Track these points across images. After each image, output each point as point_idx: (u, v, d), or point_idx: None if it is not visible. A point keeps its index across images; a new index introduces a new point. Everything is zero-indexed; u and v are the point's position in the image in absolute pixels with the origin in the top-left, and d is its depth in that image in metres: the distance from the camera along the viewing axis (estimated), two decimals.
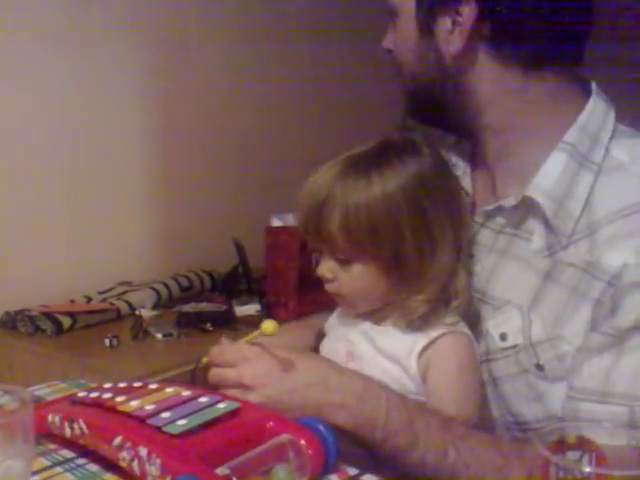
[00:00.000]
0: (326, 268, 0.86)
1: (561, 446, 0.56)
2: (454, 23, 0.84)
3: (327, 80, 2.18)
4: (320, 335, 0.98)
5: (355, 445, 0.79)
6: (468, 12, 0.83)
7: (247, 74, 2.01)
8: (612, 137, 0.87)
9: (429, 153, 0.85)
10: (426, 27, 0.87)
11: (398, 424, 0.78)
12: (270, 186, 2.03)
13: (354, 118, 2.17)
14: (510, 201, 0.88)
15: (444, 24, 0.85)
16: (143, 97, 1.81)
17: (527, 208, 0.87)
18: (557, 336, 0.83)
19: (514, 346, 0.86)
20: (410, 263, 0.83)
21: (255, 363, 0.81)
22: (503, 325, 0.87)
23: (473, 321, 0.88)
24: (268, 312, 1.63)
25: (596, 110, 0.87)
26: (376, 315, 0.88)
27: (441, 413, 0.81)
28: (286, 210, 1.76)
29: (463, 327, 0.85)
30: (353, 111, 2.20)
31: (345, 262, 0.85)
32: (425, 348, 0.83)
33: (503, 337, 0.87)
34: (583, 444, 0.56)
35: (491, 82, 0.88)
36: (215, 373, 0.83)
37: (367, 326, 0.88)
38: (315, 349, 0.97)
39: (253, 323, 1.58)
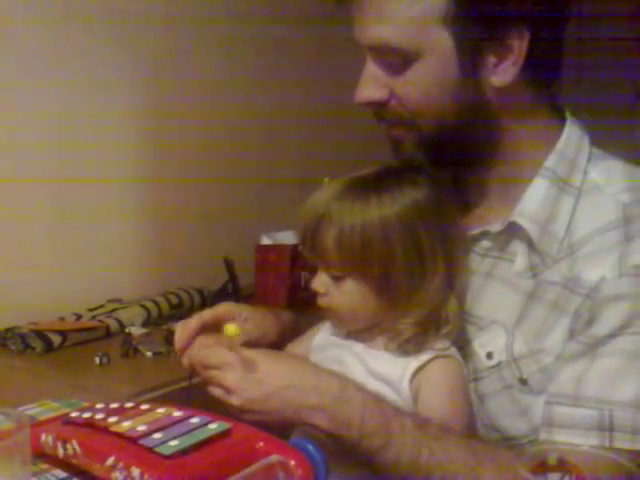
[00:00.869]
0: (319, 282, 0.89)
1: (542, 468, 0.57)
2: (499, 54, 0.84)
3: (319, 99, 2.20)
4: (287, 330, 1.01)
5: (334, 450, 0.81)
6: (519, 42, 0.83)
7: (239, 93, 2.03)
8: (588, 160, 0.90)
9: (426, 183, 0.88)
10: (471, 64, 0.84)
11: (373, 425, 0.80)
12: (260, 205, 2.04)
13: (347, 138, 2.19)
14: (496, 226, 0.91)
15: (490, 57, 0.84)
16: (135, 114, 1.82)
17: (512, 232, 0.90)
18: (538, 350, 0.86)
19: (498, 363, 0.89)
20: (399, 286, 0.86)
21: (235, 368, 0.83)
22: (489, 344, 0.90)
23: (461, 342, 0.90)
24: None
25: (572, 135, 0.91)
26: (366, 336, 0.90)
27: (416, 415, 0.83)
28: (276, 229, 1.78)
29: (453, 352, 0.87)
30: (345, 131, 2.22)
31: (337, 278, 0.87)
32: (416, 372, 0.85)
33: (489, 356, 0.89)
34: (564, 466, 0.58)
35: (516, 109, 0.89)
36: (200, 371, 0.87)
37: (359, 348, 0.90)
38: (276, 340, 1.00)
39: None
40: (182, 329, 0.93)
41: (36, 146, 1.66)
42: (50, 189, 1.69)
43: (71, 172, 1.72)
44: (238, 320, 0.97)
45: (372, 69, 0.88)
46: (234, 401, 0.83)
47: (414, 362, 0.85)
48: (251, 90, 2.05)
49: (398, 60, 0.85)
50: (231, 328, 0.87)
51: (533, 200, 0.88)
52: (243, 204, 2.05)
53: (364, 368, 0.88)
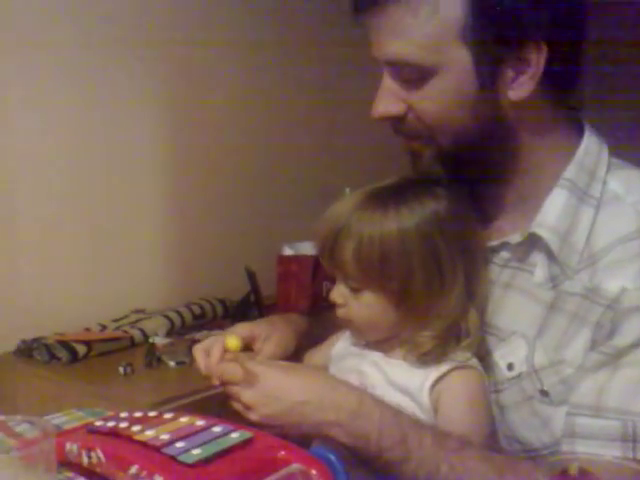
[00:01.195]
0: (338, 293, 0.89)
1: (564, 477, 0.57)
2: (517, 68, 0.83)
3: (341, 109, 2.21)
4: (303, 338, 1.02)
5: (353, 459, 0.81)
6: (537, 55, 0.82)
7: (262, 105, 2.04)
8: (607, 171, 0.90)
9: (446, 194, 0.88)
10: (489, 79, 0.83)
11: (391, 440, 0.80)
12: (282, 215, 2.05)
13: (368, 149, 2.19)
14: (516, 238, 0.91)
15: (507, 71, 0.84)
16: (157, 126, 1.84)
17: (531, 243, 0.89)
18: (559, 361, 0.86)
19: (519, 374, 0.88)
20: (418, 298, 0.85)
21: (254, 385, 0.84)
22: (510, 355, 0.89)
23: (482, 354, 0.90)
24: None
25: (591, 145, 0.91)
26: (385, 346, 0.90)
27: (435, 428, 0.83)
28: (298, 239, 1.78)
29: (474, 362, 0.87)
30: (367, 142, 2.22)
31: (356, 290, 0.87)
32: (436, 382, 0.85)
33: (510, 367, 0.89)
34: (585, 475, 0.57)
35: (534, 122, 0.89)
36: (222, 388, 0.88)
37: (378, 357, 0.90)
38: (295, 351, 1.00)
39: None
40: (203, 358, 0.92)
41: (61, 158, 1.69)
42: (75, 202, 1.72)
43: (96, 186, 1.75)
44: (258, 341, 0.98)
45: (389, 84, 0.88)
46: (252, 417, 0.84)
47: (434, 372, 0.85)
48: (274, 102, 2.06)
49: (415, 75, 0.85)
50: (231, 340, 0.88)
51: (553, 211, 0.88)
52: (265, 215, 2.06)
53: (383, 378, 0.88)
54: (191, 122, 1.91)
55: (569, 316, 0.86)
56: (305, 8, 2.09)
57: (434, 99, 0.85)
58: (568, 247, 0.87)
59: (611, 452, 0.78)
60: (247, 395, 0.84)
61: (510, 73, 0.84)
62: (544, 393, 0.86)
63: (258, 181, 2.06)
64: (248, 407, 0.84)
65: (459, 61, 0.83)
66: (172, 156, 1.88)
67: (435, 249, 0.85)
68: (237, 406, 0.86)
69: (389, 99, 0.88)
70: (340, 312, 0.90)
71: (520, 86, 0.84)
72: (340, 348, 0.97)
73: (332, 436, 0.81)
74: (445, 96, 0.85)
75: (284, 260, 1.73)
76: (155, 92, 1.83)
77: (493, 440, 0.88)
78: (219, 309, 1.84)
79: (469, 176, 0.91)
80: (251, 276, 1.79)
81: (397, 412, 0.83)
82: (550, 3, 0.82)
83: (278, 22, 2.05)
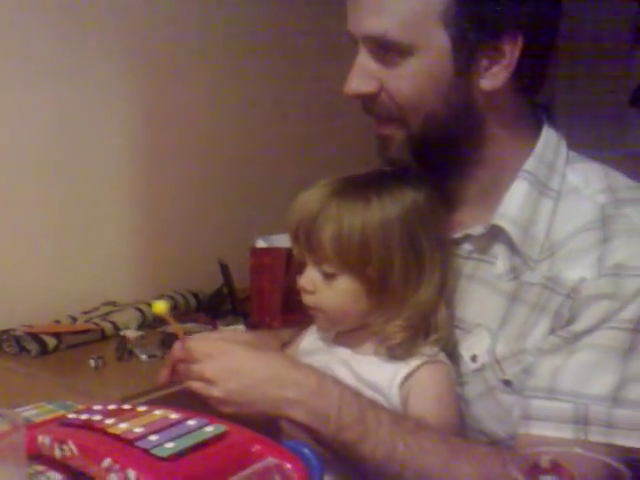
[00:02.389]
0: (308, 279, 0.89)
1: (535, 471, 0.58)
2: (492, 58, 0.85)
3: (315, 101, 2.21)
4: (284, 346, 1.01)
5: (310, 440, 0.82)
6: (512, 47, 0.84)
7: (232, 96, 2.03)
8: (566, 164, 0.92)
9: (423, 186, 0.89)
10: (465, 65, 0.85)
11: (349, 419, 0.81)
12: (255, 207, 2.05)
13: (342, 140, 2.20)
14: (478, 229, 0.92)
15: (482, 60, 0.85)
16: (128, 119, 1.83)
17: (493, 235, 0.91)
18: (520, 350, 0.87)
19: (482, 365, 0.89)
20: (395, 287, 0.86)
21: (217, 359, 0.85)
22: (473, 347, 0.91)
23: (449, 347, 0.91)
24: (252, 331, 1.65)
25: (550, 138, 0.92)
26: (353, 340, 0.90)
27: (393, 409, 0.84)
28: (271, 231, 1.78)
29: (442, 357, 0.88)
30: (341, 133, 2.23)
31: (330, 276, 0.87)
32: (406, 378, 0.86)
33: (474, 359, 0.90)
34: (556, 469, 0.58)
35: (501, 114, 0.90)
36: (180, 367, 0.88)
37: (347, 354, 0.90)
38: None
39: None
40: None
41: (30, 149, 1.66)
42: (45, 193, 1.70)
43: (66, 176, 1.73)
44: None
45: (364, 60, 0.88)
46: (214, 392, 0.84)
47: (404, 368, 0.86)
48: (247, 94, 2.06)
49: (392, 53, 0.85)
50: (159, 305, 0.87)
51: (514, 203, 0.89)
52: (238, 207, 2.05)
53: (353, 376, 0.89)
54: (163, 113, 1.89)
55: (529, 306, 0.88)
56: (293, 5, 2.09)
57: (408, 79, 0.86)
58: (529, 239, 0.88)
59: (563, 434, 0.80)
60: (210, 368, 0.84)
61: (485, 62, 0.85)
62: (507, 383, 0.88)
63: (231, 173, 2.06)
64: (210, 382, 0.84)
65: (437, 43, 0.84)
66: (143, 147, 1.87)
67: (415, 238, 0.86)
68: (197, 385, 0.85)
69: (363, 76, 0.88)
70: (308, 299, 0.89)
71: (493, 76, 0.85)
72: (307, 343, 0.97)
73: (291, 415, 0.82)
74: (420, 77, 0.85)
75: (257, 252, 1.72)
76: (125, 84, 1.81)
77: (462, 434, 0.89)
78: (192, 302, 1.83)
79: (435, 165, 0.91)
80: (224, 269, 1.78)
81: (356, 393, 0.84)
82: None
83: (263, 15, 2.04)
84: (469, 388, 0.91)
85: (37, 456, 0.79)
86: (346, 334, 0.91)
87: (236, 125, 2.05)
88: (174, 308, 1.78)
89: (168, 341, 1.56)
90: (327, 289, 0.87)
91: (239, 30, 2.02)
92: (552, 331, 0.85)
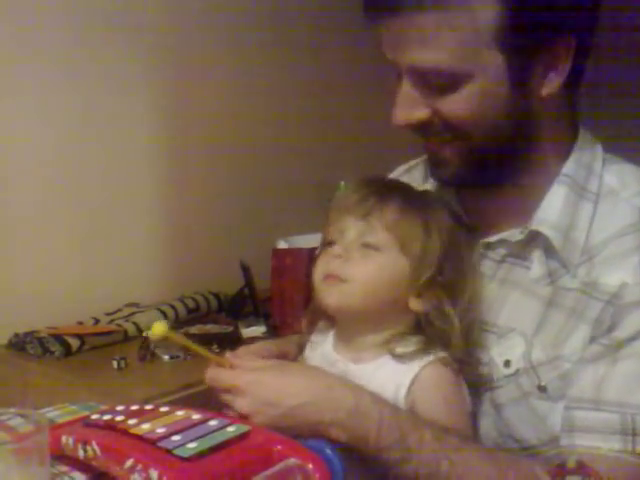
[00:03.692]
0: (344, 249, 0.85)
1: (561, 471, 0.57)
2: (547, 64, 0.82)
3: (337, 103, 2.20)
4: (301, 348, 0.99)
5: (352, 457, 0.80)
6: (567, 50, 0.81)
7: (257, 98, 2.04)
8: (603, 165, 0.90)
9: (450, 210, 0.91)
10: (521, 77, 0.82)
11: (390, 440, 0.79)
12: (277, 209, 2.05)
13: (363, 142, 2.19)
14: (516, 235, 0.90)
15: (538, 68, 0.82)
16: (154, 121, 1.84)
17: (530, 240, 0.89)
18: (557, 356, 0.85)
19: (517, 370, 0.87)
20: (436, 292, 0.85)
21: (247, 394, 0.82)
22: (507, 353, 0.88)
23: (477, 350, 0.89)
24: (274, 334, 1.65)
25: (586, 140, 0.91)
26: (354, 350, 0.88)
27: (435, 424, 0.81)
28: (293, 233, 1.78)
29: (444, 355, 0.85)
30: (363, 134, 2.23)
31: (373, 248, 0.85)
32: (411, 384, 0.83)
33: (507, 364, 0.88)
34: (582, 469, 0.57)
35: (549, 116, 0.87)
36: (216, 396, 0.85)
37: (348, 366, 0.88)
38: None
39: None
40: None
41: (56, 153, 1.68)
42: (70, 196, 1.71)
43: (90, 179, 1.74)
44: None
45: (409, 89, 0.84)
46: (252, 422, 0.81)
47: (408, 374, 0.83)
48: (269, 96, 2.06)
49: (444, 81, 0.81)
50: (158, 326, 0.83)
51: (553, 207, 0.88)
52: (260, 209, 2.05)
53: None
54: (187, 117, 1.90)
55: (567, 311, 0.86)
56: (301, 3, 2.09)
57: (464, 103, 0.82)
58: (570, 243, 0.86)
59: (610, 445, 0.78)
60: (241, 404, 0.82)
61: (540, 69, 0.82)
62: (542, 389, 0.86)
63: (253, 175, 2.06)
64: (246, 416, 0.81)
65: (493, 64, 0.80)
66: (167, 150, 1.88)
67: (462, 260, 0.88)
68: (234, 414, 0.83)
69: (411, 105, 0.84)
70: (337, 266, 0.85)
71: (550, 82, 0.83)
72: (308, 355, 0.95)
73: (330, 436, 0.80)
74: (475, 99, 0.82)
75: (279, 254, 1.72)
76: (151, 88, 1.82)
77: (470, 432, 0.87)
78: (213, 303, 1.83)
79: (484, 174, 0.89)
80: (245, 270, 1.78)
81: (396, 409, 0.82)
82: None
83: (273, 16, 2.04)
84: (501, 393, 0.89)
85: (60, 456, 0.79)
86: (346, 344, 0.89)
87: (260, 127, 2.05)
88: (195, 310, 1.79)
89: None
90: (364, 262, 0.84)
91: (265, 29, 2.02)
92: (593, 339, 0.83)
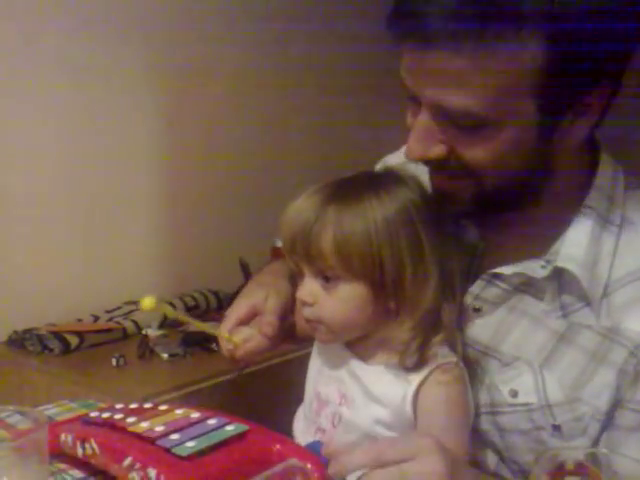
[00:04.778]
0: (307, 291, 0.83)
1: (561, 472, 0.57)
2: (577, 113, 0.77)
3: (337, 102, 2.20)
4: (292, 278, 0.95)
5: None
6: (600, 97, 0.77)
7: (257, 96, 2.03)
8: (625, 191, 0.86)
9: (416, 184, 0.84)
10: (551, 127, 0.77)
11: None
12: (276, 207, 2.04)
13: (362, 141, 2.19)
14: (536, 269, 0.84)
15: (568, 116, 0.77)
16: (154, 119, 1.84)
17: (553, 275, 0.84)
18: (576, 398, 0.82)
19: (526, 404, 0.84)
20: (406, 288, 0.81)
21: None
22: (513, 381, 0.85)
23: (477, 372, 0.86)
24: None
25: (607, 166, 0.86)
26: (364, 349, 0.86)
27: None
28: None
29: (454, 358, 0.83)
30: (362, 133, 2.22)
31: (331, 284, 0.82)
32: (418, 388, 0.81)
33: (513, 394, 0.85)
34: (582, 470, 0.57)
35: (569, 153, 0.83)
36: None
37: (357, 365, 0.86)
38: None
39: None
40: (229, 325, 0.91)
41: (54, 150, 1.68)
42: (69, 193, 1.71)
43: (89, 177, 1.74)
44: (259, 307, 0.92)
45: (428, 123, 0.79)
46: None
47: (415, 380, 0.81)
48: (268, 94, 2.06)
49: (470, 123, 0.76)
50: (146, 301, 0.83)
51: (580, 244, 0.83)
52: (259, 206, 2.05)
53: (361, 390, 0.84)
54: (185, 113, 1.90)
55: (587, 354, 0.82)
56: (301, 2, 2.09)
57: (487, 147, 0.77)
58: (595, 280, 0.82)
59: None
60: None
61: (570, 116, 0.78)
62: (556, 427, 0.83)
63: (252, 172, 2.06)
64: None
65: (524, 112, 0.76)
66: (165, 148, 1.87)
67: (417, 235, 0.81)
68: None
69: (428, 139, 0.79)
70: (308, 312, 0.84)
71: (577, 129, 0.79)
72: (315, 358, 0.92)
73: None
74: (500, 145, 0.77)
75: (278, 251, 1.72)
76: (149, 83, 1.82)
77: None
78: (212, 301, 1.83)
79: (496, 209, 0.85)
80: (245, 268, 1.78)
81: None
82: (617, 44, 0.75)
83: (275, 15, 2.04)
84: (507, 420, 0.86)
85: (59, 454, 0.80)
86: (355, 343, 0.87)
87: (259, 124, 2.05)
88: (195, 308, 1.79)
89: (189, 340, 1.57)
90: (328, 299, 0.82)
91: (265, 33, 2.02)
92: (618, 389, 0.80)
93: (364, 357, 0.86)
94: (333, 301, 0.82)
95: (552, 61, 0.73)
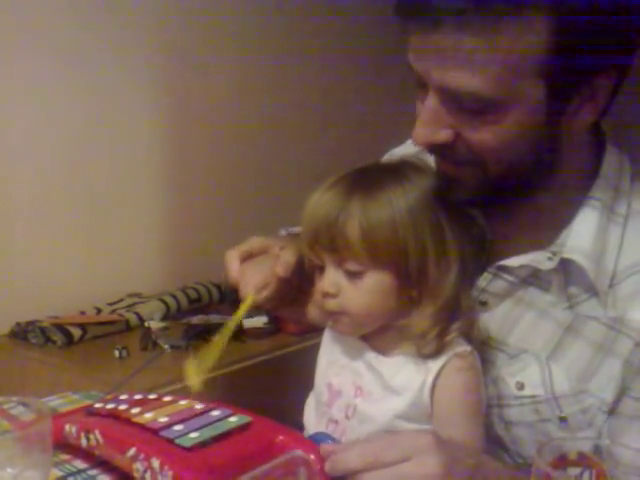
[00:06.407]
0: (330, 282, 0.83)
1: (562, 462, 0.57)
2: (584, 96, 0.77)
3: (336, 96, 2.21)
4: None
5: None
6: (607, 82, 0.77)
7: (260, 92, 2.04)
8: (631, 182, 0.86)
9: (432, 172, 0.85)
10: (559, 111, 0.77)
11: None
12: (279, 199, 2.05)
13: (364, 134, 2.19)
14: (543, 262, 0.83)
15: (575, 101, 0.77)
16: (156, 115, 1.84)
17: (559, 266, 0.84)
18: (582, 390, 0.83)
19: (533, 396, 0.85)
20: (429, 276, 0.81)
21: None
22: (519, 374, 0.85)
23: (485, 366, 0.86)
24: (275, 324, 1.65)
25: (612, 157, 0.86)
26: (380, 340, 0.86)
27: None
28: (294, 223, 1.78)
29: (467, 347, 0.83)
30: (363, 127, 2.22)
31: (356, 274, 0.82)
32: (436, 378, 0.81)
33: (520, 386, 0.85)
34: (584, 460, 0.57)
35: (574, 142, 0.83)
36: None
37: (372, 357, 0.86)
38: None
39: (258, 335, 1.62)
40: (233, 262, 0.92)
41: (58, 142, 1.68)
42: (71, 186, 1.71)
43: (92, 169, 1.74)
44: (274, 249, 0.91)
45: (435, 107, 0.78)
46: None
47: (433, 368, 0.81)
48: (273, 88, 2.06)
49: (477, 106, 0.75)
50: (192, 375, 0.83)
51: (587, 235, 0.82)
52: (262, 199, 2.05)
53: (378, 381, 0.84)
54: (190, 108, 1.90)
55: (593, 346, 0.82)
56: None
57: (495, 131, 0.76)
58: (601, 271, 0.82)
59: None
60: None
61: (577, 101, 0.77)
62: (563, 420, 0.83)
63: (255, 166, 2.06)
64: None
65: (533, 95, 0.75)
66: (169, 141, 1.87)
67: (439, 222, 0.82)
68: None
69: (435, 124, 0.78)
70: (331, 304, 0.84)
71: (584, 115, 0.79)
72: (327, 347, 0.91)
73: None
74: (508, 129, 0.76)
75: None
76: (154, 80, 1.82)
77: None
78: (215, 293, 1.83)
79: (500, 199, 0.85)
80: None
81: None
82: (626, 28, 0.76)
83: (276, 10, 2.04)
84: (513, 412, 0.86)
85: (63, 445, 0.80)
86: (372, 335, 0.86)
87: (262, 119, 2.05)
88: (197, 300, 1.79)
89: (191, 332, 1.58)
90: (352, 289, 0.82)
91: (270, 23, 2.02)
92: (623, 380, 0.81)
93: (381, 349, 0.86)
94: (357, 291, 0.83)
95: (557, 41, 0.72)
